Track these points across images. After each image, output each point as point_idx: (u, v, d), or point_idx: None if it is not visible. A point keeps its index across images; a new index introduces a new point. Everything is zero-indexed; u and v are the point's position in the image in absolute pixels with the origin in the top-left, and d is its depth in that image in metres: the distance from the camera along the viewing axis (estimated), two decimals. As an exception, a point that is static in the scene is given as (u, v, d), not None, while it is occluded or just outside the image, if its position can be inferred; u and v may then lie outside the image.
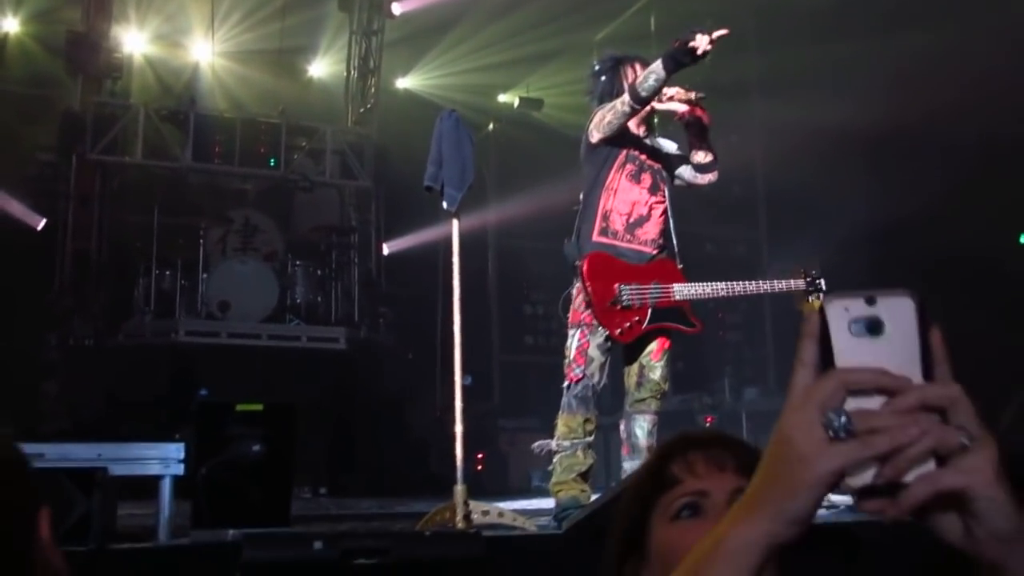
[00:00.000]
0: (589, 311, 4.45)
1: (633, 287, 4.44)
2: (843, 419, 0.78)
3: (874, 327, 0.81)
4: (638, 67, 4.60)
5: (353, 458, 8.77)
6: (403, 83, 13.52)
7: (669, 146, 4.84)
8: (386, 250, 10.89)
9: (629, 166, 4.60)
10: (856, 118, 11.09)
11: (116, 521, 3.67)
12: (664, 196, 4.67)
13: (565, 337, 4.60)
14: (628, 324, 4.42)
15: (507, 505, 7.01)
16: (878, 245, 12.24)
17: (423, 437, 9.41)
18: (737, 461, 1.41)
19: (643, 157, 4.66)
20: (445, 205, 4.41)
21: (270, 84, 11.76)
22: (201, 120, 10.01)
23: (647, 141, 4.75)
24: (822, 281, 4.72)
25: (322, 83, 12.73)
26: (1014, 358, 11.29)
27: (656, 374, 4.56)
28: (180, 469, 3.59)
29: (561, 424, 4.48)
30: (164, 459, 3.58)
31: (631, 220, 4.55)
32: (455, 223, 4.49)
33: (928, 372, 0.80)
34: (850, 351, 0.80)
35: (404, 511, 6.16)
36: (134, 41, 11.30)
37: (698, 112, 4.60)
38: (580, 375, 4.44)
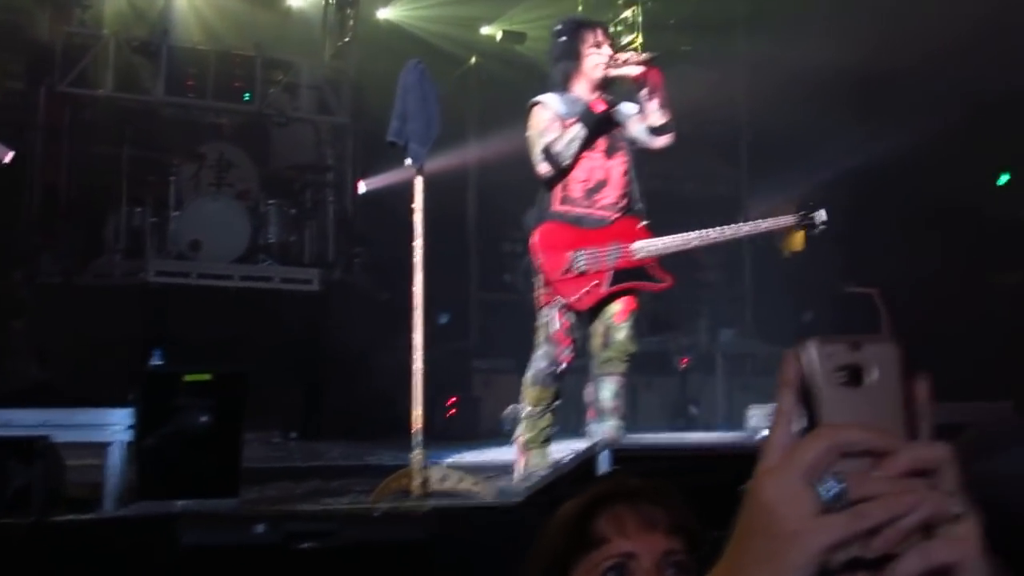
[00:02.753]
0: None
1: (588, 251, 4.43)
2: (838, 487, 0.68)
3: (858, 376, 0.72)
4: (599, 34, 4.62)
5: (325, 401, 8.73)
6: (384, 14, 13.23)
7: (629, 109, 4.74)
8: (363, 188, 10.71)
9: None
10: (843, 58, 10.93)
11: (64, 487, 3.61)
12: (624, 157, 4.64)
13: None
14: (585, 289, 4.41)
15: (477, 454, 7.03)
16: (861, 187, 12.17)
17: (397, 379, 9.34)
18: (669, 519, 1.33)
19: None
20: (409, 162, 4.31)
21: (247, 13, 11.45)
22: (174, 52, 9.79)
23: (597, 105, 4.63)
24: (822, 212, 4.48)
25: (302, 13, 12.41)
26: (993, 297, 11.35)
27: (622, 335, 4.53)
28: (128, 435, 3.51)
29: (533, 395, 4.53)
30: (112, 425, 3.51)
31: (590, 186, 4.55)
32: (419, 180, 4.37)
33: (911, 428, 0.72)
34: (834, 403, 0.71)
35: (374, 463, 6.14)
36: (107, -35, 11.01)
37: (651, 74, 4.51)
38: (571, 356, 4.50)
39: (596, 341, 4.60)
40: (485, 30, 13.90)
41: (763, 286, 12.71)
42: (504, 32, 13.60)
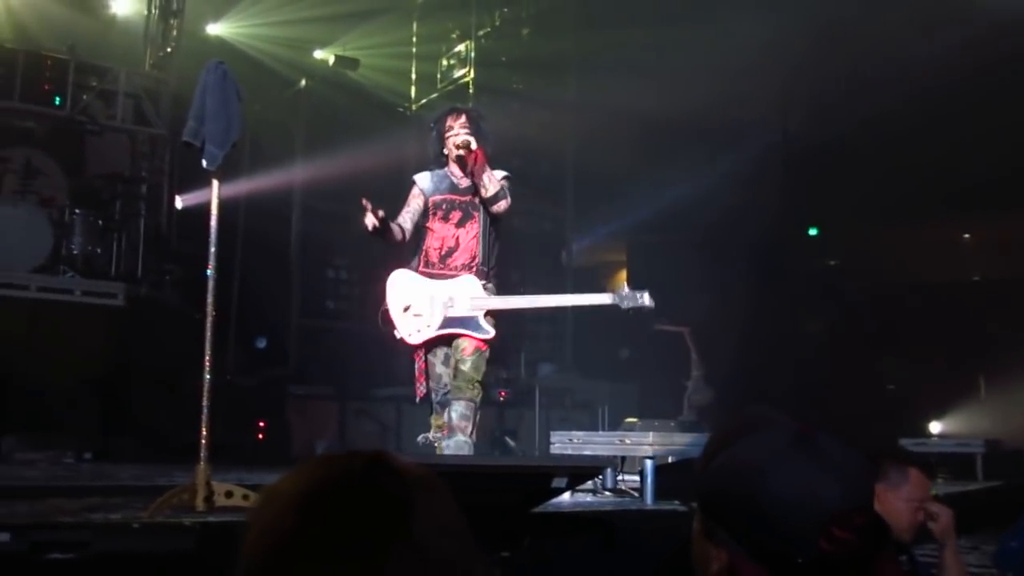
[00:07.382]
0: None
1: (428, 299, 5.17)
2: None
3: None
4: (456, 118, 5.35)
5: (127, 421, 8.32)
6: (214, 29, 12.91)
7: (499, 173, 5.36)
8: (180, 204, 10.32)
9: (438, 211, 5.33)
10: (668, 104, 11.29)
11: None
12: (475, 224, 5.29)
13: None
14: (418, 329, 5.15)
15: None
16: (680, 230, 12.57)
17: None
18: None
19: (450, 197, 5.34)
20: (205, 164, 4.15)
21: (65, 17, 10.96)
22: (-23, 49, 9.25)
23: (460, 181, 5.37)
24: (645, 295, 5.04)
25: (125, 21, 11.96)
26: (800, 338, 11.86)
27: (466, 366, 5.10)
28: None
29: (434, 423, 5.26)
30: None
31: (443, 252, 5.27)
32: (215, 184, 4.23)
33: None
34: None
35: (164, 483, 5.83)
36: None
37: (468, 157, 5.21)
38: (424, 391, 5.28)
39: (450, 372, 5.23)
40: (318, 54, 13.75)
41: (583, 323, 12.91)
42: (337, 57, 13.48)
